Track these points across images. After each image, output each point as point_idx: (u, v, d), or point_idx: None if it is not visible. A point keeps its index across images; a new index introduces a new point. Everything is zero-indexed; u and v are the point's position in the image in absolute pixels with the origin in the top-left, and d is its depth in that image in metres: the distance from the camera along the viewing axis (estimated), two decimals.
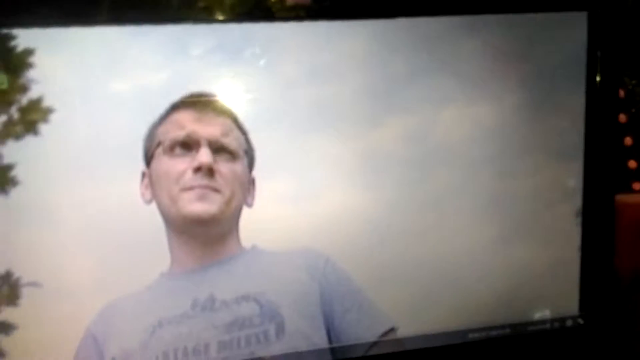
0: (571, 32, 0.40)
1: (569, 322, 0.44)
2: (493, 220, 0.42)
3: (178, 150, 0.37)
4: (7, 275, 0.36)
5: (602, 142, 0.41)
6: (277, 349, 0.38)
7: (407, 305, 0.41)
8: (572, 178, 0.42)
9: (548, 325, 0.43)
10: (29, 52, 0.34)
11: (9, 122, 0.34)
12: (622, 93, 0.45)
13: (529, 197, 0.42)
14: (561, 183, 0.42)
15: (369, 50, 0.38)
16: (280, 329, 0.39)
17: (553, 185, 0.42)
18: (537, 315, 0.44)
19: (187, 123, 0.37)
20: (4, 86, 0.34)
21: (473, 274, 0.42)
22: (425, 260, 0.41)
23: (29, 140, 0.35)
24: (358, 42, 0.38)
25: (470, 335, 0.42)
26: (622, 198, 0.44)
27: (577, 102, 0.41)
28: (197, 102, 0.36)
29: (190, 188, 0.37)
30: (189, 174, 0.37)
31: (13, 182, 0.35)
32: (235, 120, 0.37)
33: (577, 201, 0.43)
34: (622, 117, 0.45)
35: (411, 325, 0.41)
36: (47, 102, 0.34)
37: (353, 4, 0.37)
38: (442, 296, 0.42)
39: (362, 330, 0.40)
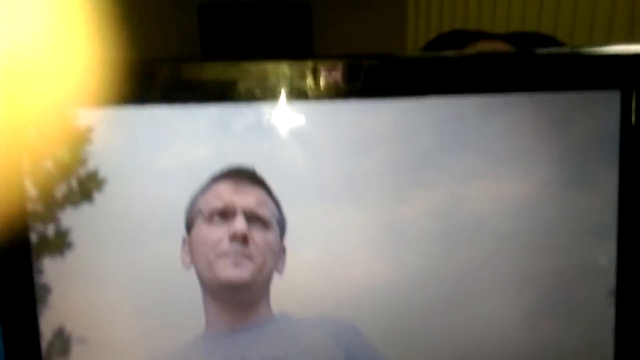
0: (604, 110, 0.40)
1: None
2: (521, 296, 0.42)
3: (216, 219, 0.40)
4: (61, 331, 0.39)
5: (637, 219, 0.41)
6: None
7: None
8: (605, 256, 0.42)
9: None
10: (88, 130, 0.38)
11: (69, 191, 0.38)
12: None
13: (558, 274, 0.41)
14: (593, 261, 0.42)
15: (396, 127, 0.40)
16: None
17: (584, 263, 0.42)
18: None
19: (225, 194, 0.40)
20: (67, 159, 0.38)
21: (501, 350, 0.42)
22: (452, 333, 0.41)
23: (85, 207, 0.38)
24: (386, 120, 0.40)
25: None
26: None
27: (609, 180, 0.41)
28: (235, 175, 0.39)
29: (226, 254, 0.40)
30: (225, 242, 0.40)
31: (69, 246, 0.39)
32: (269, 192, 0.40)
33: (611, 280, 0.42)
34: None
35: None
36: (102, 174, 0.38)
37: (382, 84, 0.39)
38: None
39: None
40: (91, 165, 0.38)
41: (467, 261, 0.41)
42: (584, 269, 0.41)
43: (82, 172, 0.38)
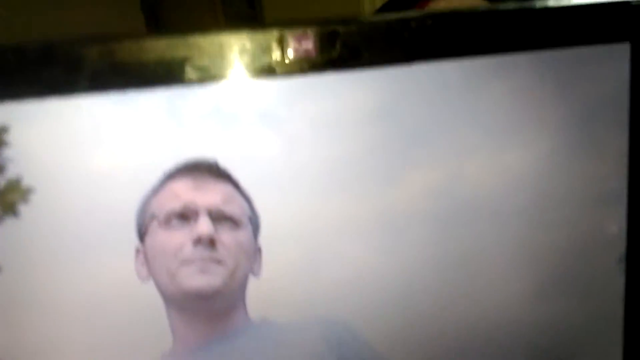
0: (611, 66, 0.35)
1: None
2: (528, 275, 0.38)
3: (175, 222, 0.33)
4: None
5: None
6: None
7: None
8: (614, 224, 0.38)
9: None
10: (2, 130, 0.30)
11: None
12: None
13: (566, 247, 0.38)
14: (602, 230, 0.38)
15: (382, 101, 0.34)
16: None
17: (594, 233, 0.38)
18: None
19: (184, 192, 0.33)
20: None
21: (509, 332, 0.38)
22: (456, 321, 0.38)
23: (9, 223, 0.31)
24: (370, 93, 0.33)
25: None
26: None
27: (619, 143, 0.37)
28: (194, 170, 0.33)
29: (190, 261, 0.34)
30: (188, 247, 0.34)
31: None
32: (236, 186, 0.33)
33: (620, 247, 0.39)
34: None
35: None
36: (26, 182, 0.31)
37: (361, 52, 0.32)
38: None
39: None
40: (11, 172, 0.31)
41: (471, 243, 0.36)
42: (594, 239, 0.38)
43: (0, 181, 0.31)
